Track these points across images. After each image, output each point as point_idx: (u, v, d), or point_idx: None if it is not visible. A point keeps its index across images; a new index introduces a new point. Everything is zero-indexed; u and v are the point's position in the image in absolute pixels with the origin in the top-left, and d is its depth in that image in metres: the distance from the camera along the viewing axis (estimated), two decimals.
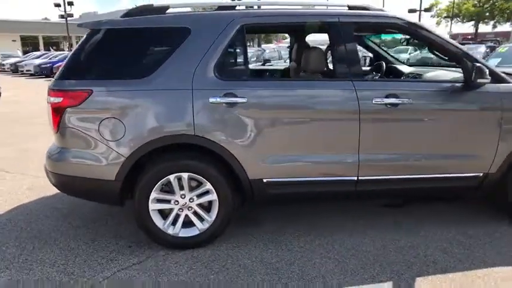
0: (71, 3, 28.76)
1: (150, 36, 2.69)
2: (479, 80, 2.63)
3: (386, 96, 2.68)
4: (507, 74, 2.92)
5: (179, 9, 2.82)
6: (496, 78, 2.83)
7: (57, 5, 28.68)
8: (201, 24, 2.68)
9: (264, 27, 3.01)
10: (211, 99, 2.58)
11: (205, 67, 2.61)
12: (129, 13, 2.74)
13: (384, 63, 3.87)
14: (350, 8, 2.86)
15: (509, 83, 2.86)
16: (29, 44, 46.18)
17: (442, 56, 3.06)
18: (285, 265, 2.59)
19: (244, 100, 2.60)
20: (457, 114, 2.80)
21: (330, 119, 2.72)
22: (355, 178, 2.80)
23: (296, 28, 3.15)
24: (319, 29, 2.95)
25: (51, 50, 32.28)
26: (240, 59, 2.70)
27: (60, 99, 2.60)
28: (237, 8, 2.81)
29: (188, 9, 2.92)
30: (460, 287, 2.33)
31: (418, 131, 2.79)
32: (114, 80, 2.62)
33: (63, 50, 37.44)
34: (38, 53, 27.39)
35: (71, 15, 30.67)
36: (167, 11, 2.77)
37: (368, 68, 4.16)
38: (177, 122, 2.59)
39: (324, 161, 2.76)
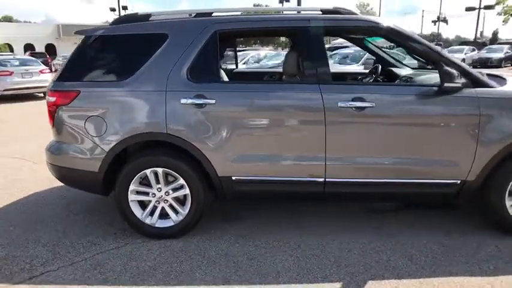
0: (125, 8, 30.70)
1: (131, 42, 2.94)
2: (446, 84, 2.56)
3: (353, 100, 2.70)
4: None
5: (161, 16, 3.03)
6: (477, 82, 2.74)
7: (113, 9, 30.75)
8: (177, 30, 2.88)
9: (238, 33, 3.14)
10: (183, 100, 2.77)
11: (179, 70, 2.81)
12: (117, 21, 3.02)
13: (379, 65, 3.83)
14: (323, 12, 2.90)
15: (491, 87, 2.75)
16: None
17: (420, 59, 2.99)
18: (246, 260, 2.71)
19: (213, 101, 2.76)
20: (430, 119, 2.74)
21: (296, 121, 2.79)
22: (323, 180, 2.84)
23: (270, 33, 3.25)
24: (292, 34, 3.02)
25: None
26: (212, 63, 2.86)
27: (54, 99, 2.94)
28: (214, 14, 2.97)
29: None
30: None
31: (387, 135, 2.77)
32: (99, 81, 2.91)
33: None
34: None
35: None
36: (150, 19, 3.01)
37: (367, 71, 4.13)
38: (151, 121, 2.82)
39: (292, 162, 2.84)
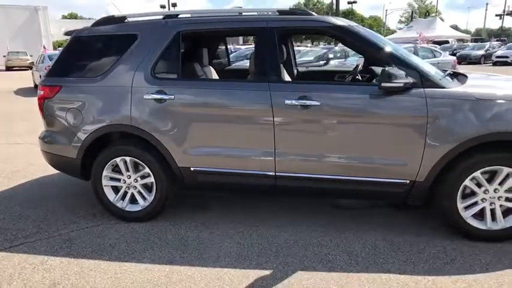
0: (174, 5, 31.91)
1: (107, 42, 3.25)
2: (383, 84, 2.59)
3: (300, 98, 2.81)
4: None
5: (135, 18, 3.31)
6: (428, 82, 2.72)
7: (163, 7, 32.12)
8: (145, 31, 3.15)
9: (201, 33, 3.32)
10: (145, 96, 3.04)
11: (144, 68, 3.08)
12: (97, 23, 3.34)
13: (359, 64, 3.85)
14: (280, 13, 3.01)
15: (443, 87, 2.72)
16: None
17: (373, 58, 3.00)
18: (196, 244, 2.93)
19: (171, 97, 3.00)
20: (374, 118, 2.77)
21: (247, 117, 2.95)
22: (273, 173, 2.98)
23: (230, 33, 3.39)
24: (250, 34, 3.15)
25: None
26: (174, 61, 3.08)
27: (42, 92, 3.34)
28: (180, 16, 3.20)
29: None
30: (328, 284, 2.40)
31: (332, 133, 2.84)
32: (78, 78, 3.26)
33: None
34: None
35: None
36: (125, 20, 3.30)
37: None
38: (119, 114, 3.11)
39: (244, 155, 3.00)
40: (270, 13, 3.06)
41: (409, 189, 2.84)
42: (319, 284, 2.41)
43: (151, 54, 3.08)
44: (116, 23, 3.29)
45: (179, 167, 3.11)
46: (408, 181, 2.81)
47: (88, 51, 3.30)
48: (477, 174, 2.72)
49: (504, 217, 2.81)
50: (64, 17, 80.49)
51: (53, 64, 3.40)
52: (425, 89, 2.70)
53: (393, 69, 2.61)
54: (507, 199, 2.78)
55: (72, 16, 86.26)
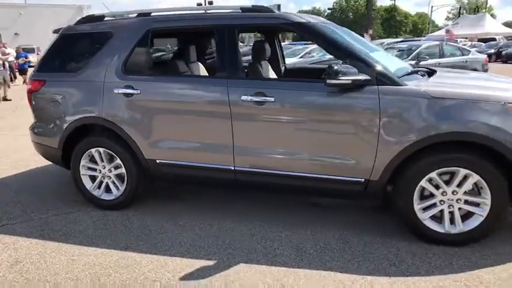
0: (210, 3, 32.47)
1: (86, 39, 3.45)
2: (329, 81, 2.56)
3: (255, 94, 2.85)
4: None
5: (113, 17, 3.48)
6: (385, 80, 2.67)
7: (199, 4, 32.78)
8: (119, 29, 3.31)
9: (170, 31, 3.42)
10: (115, 90, 3.20)
11: (116, 64, 3.24)
12: (79, 21, 3.56)
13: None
14: (243, 10, 3.06)
15: (400, 85, 2.66)
16: None
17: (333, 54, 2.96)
18: (156, 234, 3.06)
19: (138, 92, 3.14)
20: (327, 115, 2.76)
21: (207, 113, 3.02)
22: (233, 168, 3.04)
23: (197, 31, 3.46)
24: (212, 31, 3.21)
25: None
26: (142, 58, 3.22)
27: (30, 86, 3.61)
28: (152, 14, 3.33)
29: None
30: (264, 277, 2.44)
31: (286, 129, 2.86)
32: (60, 72, 3.48)
33: None
34: None
35: None
36: (104, 19, 3.48)
37: None
38: (92, 107, 3.30)
39: (206, 150, 3.09)
40: (233, 11, 3.10)
41: (365, 188, 2.80)
42: (254, 276, 2.45)
43: (123, 51, 3.24)
44: (96, 21, 3.48)
45: (146, 159, 3.25)
46: (363, 180, 2.78)
47: (70, 48, 3.52)
48: (433, 175, 2.63)
49: (463, 221, 2.70)
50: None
51: (40, 60, 3.66)
52: (379, 87, 2.65)
53: (341, 66, 2.58)
54: (466, 202, 2.67)
55: (120, 15, 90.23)
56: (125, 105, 3.19)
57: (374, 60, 2.77)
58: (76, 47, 3.50)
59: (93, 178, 3.53)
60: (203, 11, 3.24)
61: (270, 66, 3.94)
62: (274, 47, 4.21)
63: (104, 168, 3.44)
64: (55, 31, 3.67)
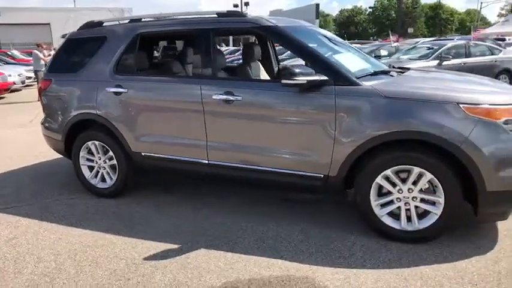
0: (247, 4, 32.93)
1: (86, 43, 3.82)
2: (283, 81, 2.72)
3: (225, 93, 3.06)
4: None
5: (110, 23, 3.82)
6: (343, 80, 2.79)
7: (236, 6, 33.35)
8: (112, 33, 3.65)
9: (158, 35, 3.68)
10: (107, 89, 3.54)
11: (109, 65, 3.58)
12: (81, 27, 3.94)
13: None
14: (218, 15, 3.27)
15: (357, 85, 2.76)
16: (220, 41, 54.27)
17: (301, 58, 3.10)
18: (138, 219, 3.35)
19: (125, 90, 3.46)
20: (287, 114, 2.91)
21: (183, 110, 3.28)
22: (207, 161, 3.28)
23: (180, 34, 3.69)
24: (193, 35, 3.45)
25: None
26: (131, 59, 3.52)
27: (41, 85, 4.05)
28: (143, 20, 3.63)
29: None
30: (217, 261, 2.65)
31: (252, 126, 3.05)
32: (64, 73, 3.88)
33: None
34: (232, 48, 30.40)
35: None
36: (103, 25, 3.84)
37: None
38: (88, 104, 3.66)
39: (183, 144, 3.35)
40: (210, 16, 3.33)
41: (325, 183, 2.93)
42: (210, 260, 2.67)
43: (114, 53, 3.58)
44: (95, 27, 3.85)
45: (133, 152, 3.56)
46: (322, 175, 2.91)
47: (73, 51, 3.92)
48: (388, 172, 2.72)
49: (420, 218, 2.76)
50: None
51: (50, 61, 4.09)
52: (335, 87, 2.78)
53: (298, 67, 2.73)
54: (422, 200, 2.72)
55: None
56: (115, 102, 3.52)
57: (332, 62, 2.89)
58: (78, 50, 3.89)
59: (91, 168, 3.90)
60: (185, 17, 3.49)
61: (261, 67, 4.13)
62: (267, 49, 4.39)
63: (100, 159, 3.80)
64: (63, 36, 4.09)
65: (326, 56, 2.96)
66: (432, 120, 2.54)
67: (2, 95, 11.83)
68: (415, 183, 2.70)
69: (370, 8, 66.54)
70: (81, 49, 3.86)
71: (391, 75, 3.14)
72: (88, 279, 2.52)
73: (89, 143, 3.77)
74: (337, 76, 2.80)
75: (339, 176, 2.85)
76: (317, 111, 2.82)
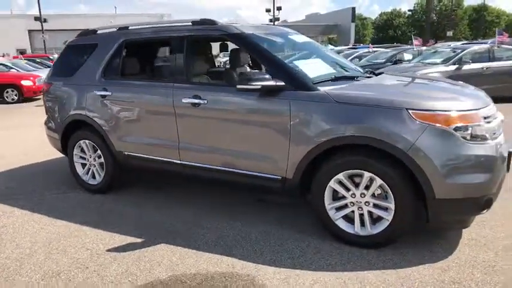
0: (279, 8, 33.28)
1: (80, 49, 4.12)
2: (238, 86, 2.83)
3: (193, 97, 3.22)
4: None
5: (103, 31, 4.10)
6: (300, 85, 2.86)
7: (268, 10, 33.76)
8: (102, 40, 3.92)
9: (140, 42, 3.89)
10: (95, 92, 3.81)
11: (97, 70, 3.85)
12: (79, 35, 4.25)
13: None
14: (193, 23, 3.44)
15: (314, 90, 2.83)
16: None
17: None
18: (116, 214, 3.58)
19: (109, 93, 3.71)
20: (246, 117, 3.01)
21: (159, 113, 3.46)
22: (179, 161, 3.45)
23: (160, 41, 3.87)
24: (169, 42, 3.63)
25: None
26: (117, 64, 3.76)
27: (43, 88, 4.40)
28: (130, 28, 3.87)
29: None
30: (170, 256, 2.79)
31: (216, 128, 3.18)
32: (61, 77, 4.21)
33: None
34: None
35: (278, 19, 35.33)
36: (97, 32, 4.13)
37: None
38: (79, 106, 3.95)
39: (159, 144, 3.54)
40: (186, 24, 3.50)
41: (283, 185, 3.00)
42: (165, 254, 2.82)
43: (102, 59, 3.85)
44: (90, 34, 4.14)
45: (117, 151, 3.80)
46: (280, 177, 2.98)
47: (70, 57, 4.24)
48: (341, 176, 2.75)
49: (374, 224, 2.77)
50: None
51: (52, 66, 4.44)
52: (291, 92, 2.85)
53: (254, 73, 2.84)
54: (375, 206, 2.73)
55: None
56: (101, 105, 3.78)
57: (290, 68, 2.97)
58: (74, 56, 4.20)
59: (84, 165, 4.19)
60: (164, 25, 3.69)
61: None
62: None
63: (91, 157, 4.08)
64: (64, 42, 4.43)
65: (286, 62, 3.03)
66: (379, 126, 2.56)
67: (38, 96, 12.70)
68: (368, 188, 2.72)
69: (409, 10, 64.60)
70: (77, 55, 4.17)
71: (356, 80, 3.16)
72: (52, 265, 2.75)
73: (81, 141, 4.06)
74: (294, 82, 2.87)
75: (295, 179, 2.92)
76: (274, 115, 2.91)
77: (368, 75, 3.44)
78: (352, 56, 14.08)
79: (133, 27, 3.84)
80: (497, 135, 2.74)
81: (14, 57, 18.70)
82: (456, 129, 2.49)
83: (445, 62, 9.19)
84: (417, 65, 9.67)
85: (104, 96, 3.75)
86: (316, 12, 72.04)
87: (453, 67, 8.91)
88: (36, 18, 28.91)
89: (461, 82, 3.67)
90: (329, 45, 37.03)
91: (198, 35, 3.42)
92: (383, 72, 3.62)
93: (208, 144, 3.27)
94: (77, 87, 4.00)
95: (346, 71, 3.51)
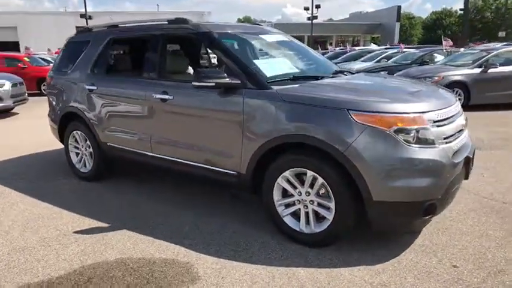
0: (318, 6, 32.96)
1: (77, 46, 4.43)
2: (193, 83, 2.94)
3: (162, 93, 3.39)
4: None
5: (97, 28, 4.38)
6: (256, 83, 2.94)
7: (306, 8, 33.54)
8: (94, 38, 4.21)
9: (124, 39, 4.09)
10: (85, 86, 4.10)
11: (88, 66, 4.14)
12: (77, 32, 4.57)
13: None
14: (169, 22, 3.60)
15: (267, 89, 2.89)
16: None
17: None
18: (94, 199, 3.85)
19: (95, 88, 3.98)
20: (207, 113, 3.13)
21: (135, 107, 3.67)
22: (151, 154, 3.64)
23: (142, 39, 4.04)
24: (148, 40, 3.79)
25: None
26: (104, 60, 4.02)
27: (46, 81, 4.78)
28: (119, 26, 4.11)
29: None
30: (125, 243, 2.98)
31: (180, 123, 3.33)
32: (60, 71, 4.55)
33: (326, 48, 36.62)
34: None
35: (316, 17, 34.89)
36: (92, 30, 4.42)
37: None
38: (71, 99, 4.27)
39: (135, 137, 3.75)
40: (162, 22, 3.68)
41: (239, 180, 3.09)
42: (122, 239, 3.02)
43: (93, 55, 4.13)
44: (86, 32, 4.45)
45: (102, 142, 4.07)
46: (236, 173, 3.08)
47: (68, 53, 4.57)
48: (287, 174, 2.81)
49: (319, 222, 2.80)
50: (239, 20, 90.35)
51: (54, 62, 4.81)
52: (245, 90, 2.94)
53: (210, 71, 2.95)
54: (320, 205, 2.76)
55: (246, 19, 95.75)
56: (89, 98, 4.07)
57: (247, 66, 3.04)
58: (72, 52, 4.52)
59: (77, 155, 4.52)
60: (146, 24, 3.89)
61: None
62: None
63: (82, 147, 4.38)
64: (67, 39, 4.78)
65: (243, 61, 3.11)
66: (320, 125, 2.59)
67: None
68: (313, 186, 2.75)
69: (460, 9, 61.26)
70: (74, 51, 4.49)
71: (317, 80, 3.17)
72: (21, 242, 3.04)
73: (74, 132, 4.38)
74: (249, 80, 2.95)
75: (248, 175, 3.00)
76: (230, 113, 3.01)
77: (332, 75, 3.43)
78: (380, 57, 13.70)
79: (122, 26, 4.08)
80: (452, 139, 2.67)
81: (56, 53, 19.98)
82: (397, 131, 2.47)
83: (471, 64, 8.75)
84: (441, 66, 9.29)
85: (91, 91, 4.03)
86: (361, 10, 70.15)
87: (478, 70, 8.47)
88: (82, 15, 30.61)
89: (431, 83, 3.57)
90: (372, 44, 35.69)
91: (171, 33, 3.59)
92: (361, 72, 3.59)
93: (174, 138, 3.43)
94: (72, 82, 4.31)
95: (315, 70, 3.53)
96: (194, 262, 2.69)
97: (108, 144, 4.03)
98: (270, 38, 3.78)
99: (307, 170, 2.71)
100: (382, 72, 10.78)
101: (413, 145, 2.47)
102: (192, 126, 3.28)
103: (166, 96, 3.36)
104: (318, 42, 47.21)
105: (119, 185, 4.25)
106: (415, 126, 2.49)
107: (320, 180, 2.66)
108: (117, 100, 3.84)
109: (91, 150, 4.26)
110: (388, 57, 13.44)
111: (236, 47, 3.36)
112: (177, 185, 4.18)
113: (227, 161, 3.11)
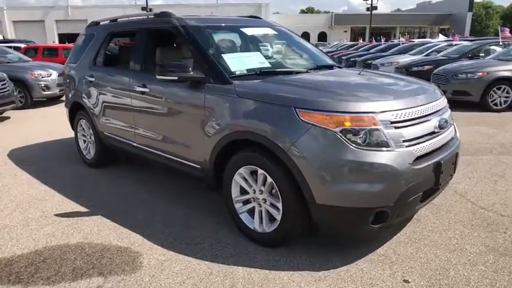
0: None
1: (86, 39, 4.68)
2: (157, 76, 2.95)
3: (141, 85, 3.48)
4: None
5: (102, 23, 4.59)
6: (218, 78, 2.91)
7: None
8: (98, 31, 4.41)
9: (124, 33, 4.19)
10: (87, 77, 4.33)
11: (90, 58, 4.37)
12: (87, 26, 4.82)
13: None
14: (155, 16, 3.66)
15: (228, 84, 2.85)
16: (357, 35, 52.32)
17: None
18: (87, 183, 4.07)
19: (93, 79, 4.19)
20: (176, 106, 3.17)
21: (124, 98, 3.79)
22: (135, 144, 3.77)
23: (132, 32, 4.10)
24: (137, 33, 3.87)
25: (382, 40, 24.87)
26: (103, 53, 4.20)
27: (63, 72, 5.13)
28: (118, 20, 4.27)
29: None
30: (102, 231, 3.13)
31: (155, 115, 3.40)
32: (70, 63, 4.85)
33: (392, 41, 32.21)
34: (348, 43, 26.06)
35: (375, 8, 33.31)
36: (99, 24, 4.64)
37: None
38: (76, 89, 4.53)
39: (123, 127, 3.90)
40: (150, 16, 3.75)
41: (203, 173, 3.10)
42: (91, 225, 3.16)
43: (95, 48, 4.34)
44: (94, 26, 4.68)
45: (99, 131, 4.29)
46: (199, 166, 3.09)
47: (79, 45, 4.84)
48: (242, 171, 2.76)
49: (271, 222, 2.73)
50: (302, 12, 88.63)
51: (70, 54, 5.13)
52: (208, 84, 2.92)
53: (175, 64, 2.94)
54: (272, 204, 2.68)
55: (309, 10, 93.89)
56: (89, 89, 4.30)
57: (212, 61, 2.99)
58: (82, 44, 4.79)
59: (84, 142, 4.81)
60: (137, 18, 3.99)
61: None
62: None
63: (88, 135, 4.66)
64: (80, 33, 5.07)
65: (210, 55, 3.07)
66: (267, 122, 2.50)
67: None
68: (265, 185, 2.68)
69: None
70: (83, 43, 4.75)
71: (291, 75, 3.05)
72: (7, 220, 3.31)
73: (81, 121, 4.66)
74: (212, 74, 2.92)
75: (210, 169, 2.99)
76: (194, 106, 3.01)
77: (311, 70, 3.28)
78: (431, 50, 12.74)
79: (120, 20, 4.24)
80: (417, 142, 2.44)
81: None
82: (344, 132, 2.30)
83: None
84: (488, 61, 8.43)
85: (91, 82, 4.25)
86: (429, 0, 65.33)
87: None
88: (143, 8, 32.15)
89: (411, 78, 3.26)
90: (440, 35, 32.77)
91: (157, 27, 3.66)
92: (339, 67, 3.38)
93: (152, 129, 3.52)
94: (78, 73, 4.58)
95: (294, 64, 3.39)
96: (144, 252, 2.76)
97: (104, 133, 4.24)
98: (251, 31, 3.69)
99: (258, 168, 2.63)
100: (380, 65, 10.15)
101: (362, 147, 2.29)
102: (165, 118, 3.34)
103: (144, 89, 3.44)
104: (374, 35, 42.93)
105: (118, 173, 4.45)
106: (365, 127, 2.31)
107: (269, 179, 2.58)
108: (110, 92, 4.02)
109: (92, 139, 4.51)
110: (439, 51, 12.46)
111: (212, 41, 3.33)
112: (175, 177, 4.26)
113: (193, 154, 3.13)
